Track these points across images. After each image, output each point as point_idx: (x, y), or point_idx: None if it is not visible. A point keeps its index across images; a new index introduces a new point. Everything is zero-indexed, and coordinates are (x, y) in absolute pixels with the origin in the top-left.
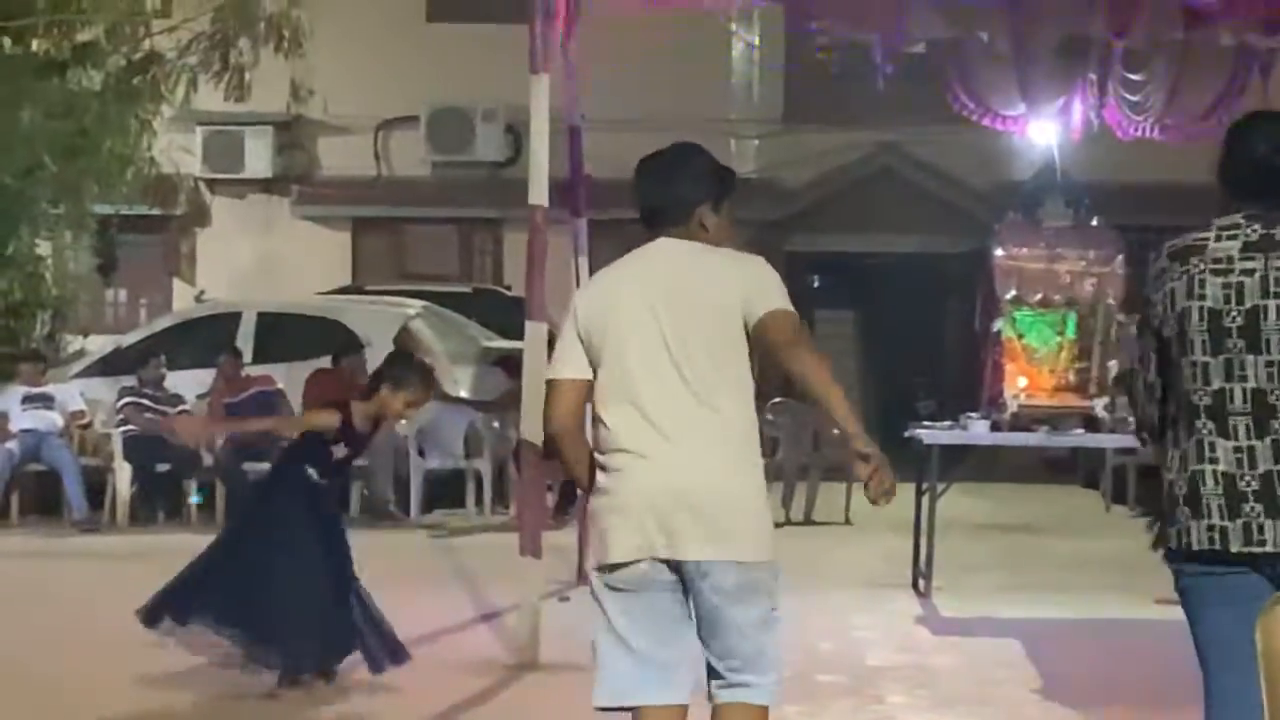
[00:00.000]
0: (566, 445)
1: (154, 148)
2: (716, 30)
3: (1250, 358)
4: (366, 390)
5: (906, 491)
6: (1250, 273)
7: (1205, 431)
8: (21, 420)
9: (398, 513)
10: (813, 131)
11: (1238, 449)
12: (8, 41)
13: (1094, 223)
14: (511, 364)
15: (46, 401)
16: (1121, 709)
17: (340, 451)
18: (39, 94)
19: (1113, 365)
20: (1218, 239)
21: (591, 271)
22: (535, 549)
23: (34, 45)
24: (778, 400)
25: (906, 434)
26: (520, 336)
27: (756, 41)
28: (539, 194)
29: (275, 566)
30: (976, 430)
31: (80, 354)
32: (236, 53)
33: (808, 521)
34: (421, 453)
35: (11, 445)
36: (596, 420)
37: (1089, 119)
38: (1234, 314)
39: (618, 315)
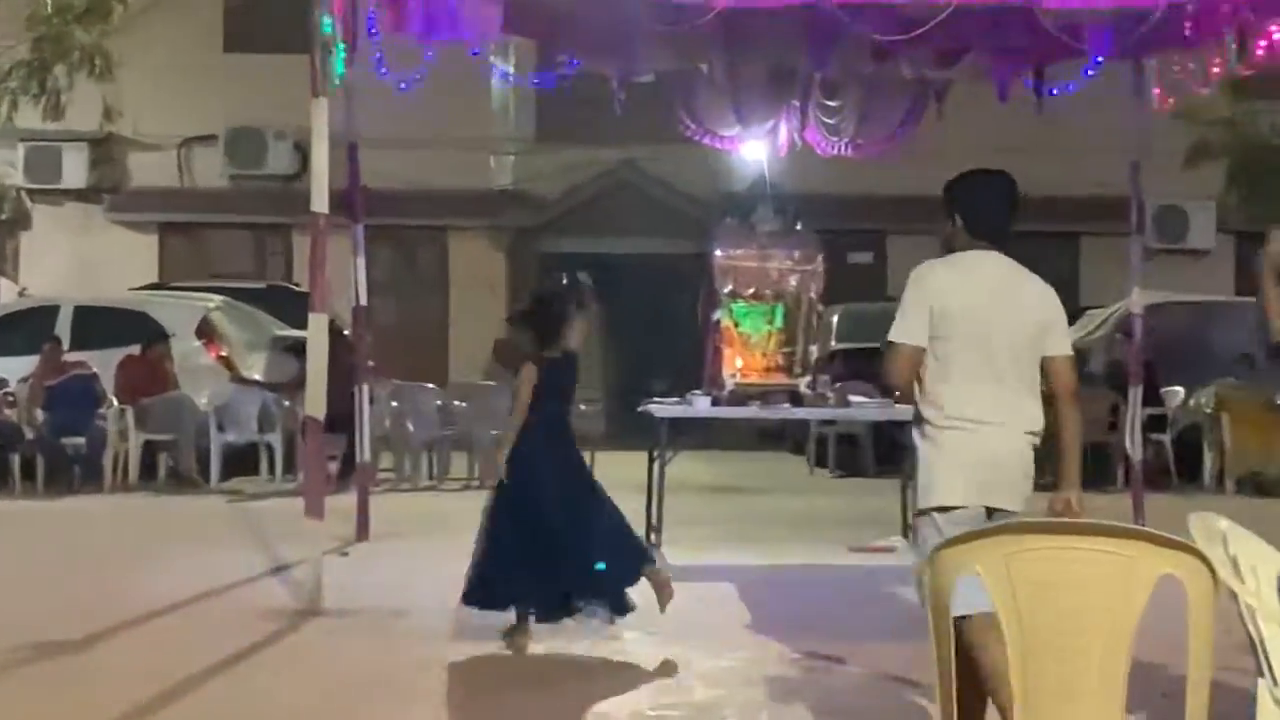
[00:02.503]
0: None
1: None
2: (478, 60)
3: None
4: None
5: (641, 458)
6: None
7: None
8: None
9: (199, 480)
10: (562, 149)
11: None
12: None
13: (798, 228)
14: (299, 350)
15: None
16: (814, 638)
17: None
18: None
19: (814, 349)
20: None
21: (369, 271)
22: (319, 511)
23: None
24: (463, 383)
25: (640, 409)
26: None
27: (511, 70)
28: (320, 203)
29: (552, 531)
30: (700, 405)
31: None
32: (53, 78)
33: None
34: (221, 427)
35: None
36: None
37: (793, 139)
38: None
39: (972, 303)
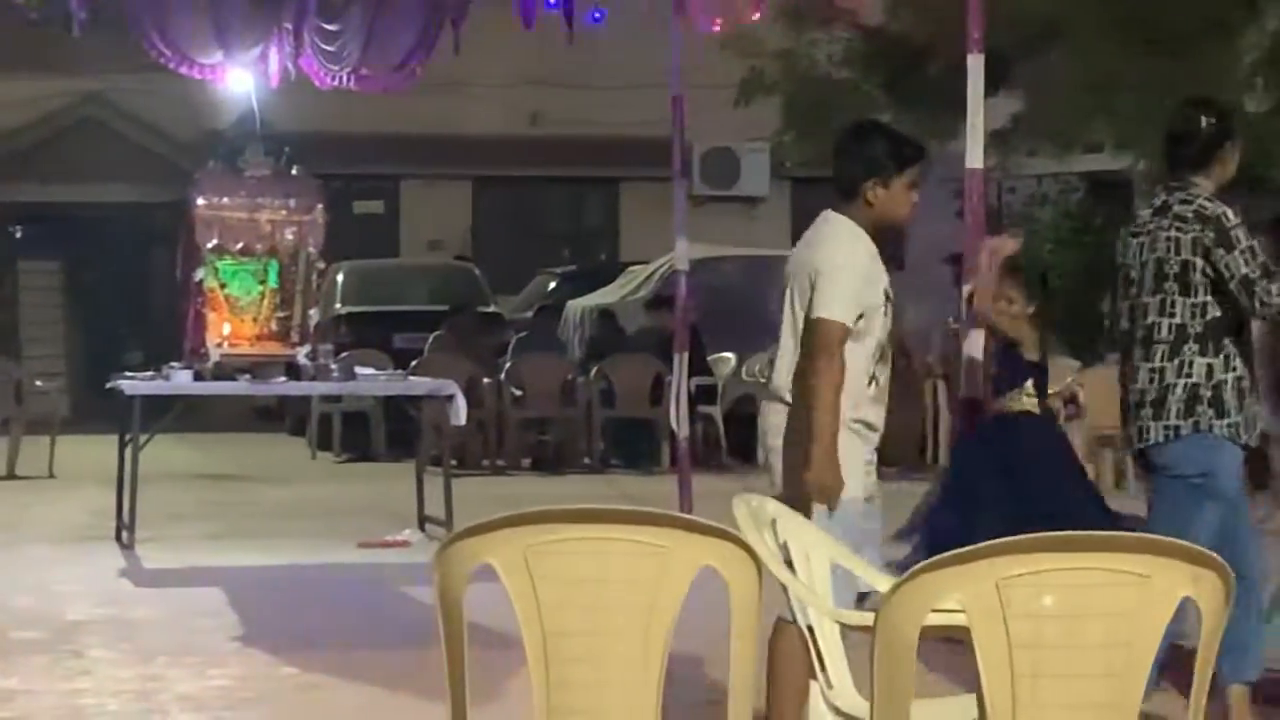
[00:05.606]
0: None
1: None
2: None
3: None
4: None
5: (112, 443)
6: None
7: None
8: None
9: None
10: (10, 79)
11: None
12: None
13: (294, 172)
14: None
15: None
16: (316, 650)
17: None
18: None
19: (314, 314)
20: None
21: None
22: None
23: None
24: None
25: (110, 385)
26: None
27: None
28: None
29: None
30: (179, 380)
31: None
32: None
33: (10, 476)
34: None
35: None
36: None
37: (287, 68)
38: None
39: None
